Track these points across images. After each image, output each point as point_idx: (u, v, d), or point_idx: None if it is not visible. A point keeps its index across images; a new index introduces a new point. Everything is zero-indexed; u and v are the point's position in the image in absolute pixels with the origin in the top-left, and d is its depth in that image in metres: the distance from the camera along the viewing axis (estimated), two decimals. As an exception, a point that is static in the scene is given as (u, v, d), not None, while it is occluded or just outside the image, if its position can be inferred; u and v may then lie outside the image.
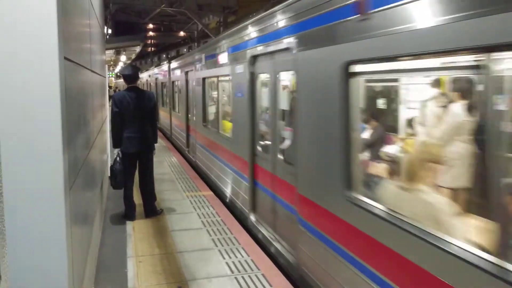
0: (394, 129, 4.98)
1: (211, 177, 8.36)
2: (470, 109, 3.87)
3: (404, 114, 4.95)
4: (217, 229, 5.65)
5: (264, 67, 5.32)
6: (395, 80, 4.56)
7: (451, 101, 4.21)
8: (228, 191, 7.11)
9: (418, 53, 2.55)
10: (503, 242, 2.12)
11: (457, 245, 2.36)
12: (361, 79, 3.35)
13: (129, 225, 5.85)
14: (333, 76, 3.42)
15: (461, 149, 3.84)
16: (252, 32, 5.68)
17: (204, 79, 8.94)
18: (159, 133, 9.49)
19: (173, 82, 14.23)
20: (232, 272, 4.39)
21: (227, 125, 7.60)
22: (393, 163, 3.81)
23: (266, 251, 5.03)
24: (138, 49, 20.57)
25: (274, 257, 4.87)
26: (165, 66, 16.11)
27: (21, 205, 2.04)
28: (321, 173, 3.74)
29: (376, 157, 4.27)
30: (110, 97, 12.47)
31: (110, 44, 14.66)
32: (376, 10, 2.87)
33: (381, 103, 5.05)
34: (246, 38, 5.89)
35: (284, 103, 4.99)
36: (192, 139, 10.68)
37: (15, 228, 2.04)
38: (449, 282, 2.36)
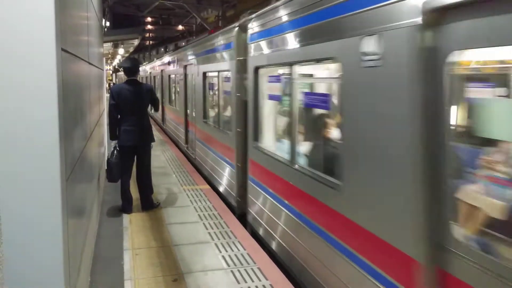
0: None
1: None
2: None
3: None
4: (214, 222, 5.66)
5: None
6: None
7: None
8: None
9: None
10: None
11: None
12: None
13: (126, 218, 5.85)
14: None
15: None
16: None
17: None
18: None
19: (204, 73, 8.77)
20: (228, 265, 4.41)
21: None
22: None
23: None
24: (136, 42, 20.50)
25: None
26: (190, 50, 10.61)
27: (17, 196, 2.05)
28: None
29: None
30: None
31: (108, 37, 14.60)
32: None
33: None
34: None
35: None
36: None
37: (11, 219, 2.05)
38: None
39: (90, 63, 4.64)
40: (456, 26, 2.23)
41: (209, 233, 5.29)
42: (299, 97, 4.38)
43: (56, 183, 2.11)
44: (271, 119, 5.47)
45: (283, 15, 4.49)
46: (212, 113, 8.68)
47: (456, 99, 2.79)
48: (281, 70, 4.94)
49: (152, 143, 6.25)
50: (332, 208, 3.53)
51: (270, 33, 4.90)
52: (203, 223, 5.63)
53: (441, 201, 2.36)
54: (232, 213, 6.13)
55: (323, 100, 4.07)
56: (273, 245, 4.86)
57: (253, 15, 5.56)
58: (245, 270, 4.31)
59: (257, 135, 5.46)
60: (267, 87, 5.34)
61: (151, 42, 41.68)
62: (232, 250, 4.77)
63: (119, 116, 5.91)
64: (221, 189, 7.22)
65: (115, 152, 5.88)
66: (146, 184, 6.23)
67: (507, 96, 3.42)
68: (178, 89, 12.36)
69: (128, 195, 6.09)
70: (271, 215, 4.93)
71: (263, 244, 5.11)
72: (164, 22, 29.00)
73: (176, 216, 5.92)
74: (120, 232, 5.31)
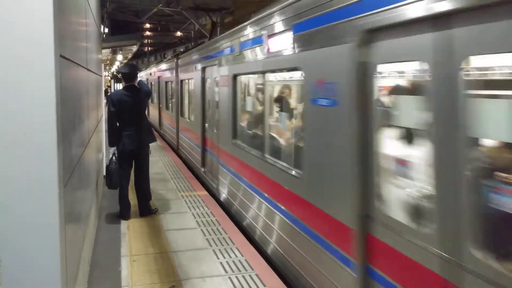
0: None
1: None
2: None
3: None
4: (212, 229, 5.65)
5: None
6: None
7: None
8: None
9: None
10: None
11: None
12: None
13: (124, 224, 5.84)
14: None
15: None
16: None
17: None
18: None
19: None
20: (226, 272, 4.40)
21: None
22: None
23: None
24: (134, 48, 20.53)
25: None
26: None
27: (15, 202, 2.04)
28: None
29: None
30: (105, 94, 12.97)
31: (106, 43, 14.63)
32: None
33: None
34: None
35: None
36: None
37: (8, 224, 2.04)
38: None
39: (88, 70, 4.65)
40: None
41: (207, 239, 5.28)
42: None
43: (54, 189, 2.11)
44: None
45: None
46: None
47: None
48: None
49: (150, 149, 6.26)
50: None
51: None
52: (201, 229, 5.62)
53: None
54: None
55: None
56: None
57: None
58: (243, 276, 4.29)
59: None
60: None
61: (149, 48, 41.79)
62: (230, 257, 4.76)
63: (118, 122, 5.92)
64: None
65: (114, 158, 5.88)
66: (144, 190, 6.22)
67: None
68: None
69: (126, 201, 6.07)
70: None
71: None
72: (162, 28, 29.10)
73: (174, 222, 5.91)
74: (118, 239, 5.29)
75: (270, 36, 4.71)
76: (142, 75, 24.14)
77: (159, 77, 16.96)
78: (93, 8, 5.57)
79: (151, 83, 20.41)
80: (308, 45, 3.77)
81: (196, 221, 5.97)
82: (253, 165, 5.47)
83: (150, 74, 20.69)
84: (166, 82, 14.79)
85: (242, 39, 5.82)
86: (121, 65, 26.18)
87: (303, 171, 3.98)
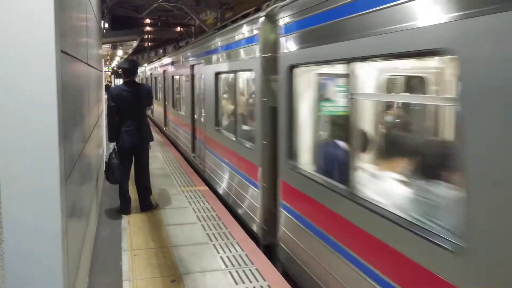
0: None
1: None
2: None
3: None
4: (212, 224, 5.67)
5: None
6: None
7: None
8: None
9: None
10: None
11: None
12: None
13: (124, 219, 5.86)
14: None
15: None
16: None
17: None
18: None
19: None
20: (226, 266, 4.42)
21: None
22: None
23: None
24: (135, 43, 20.53)
25: None
26: None
27: (17, 197, 2.06)
28: None
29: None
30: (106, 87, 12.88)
31: (107, 39, 14.63)
32: None
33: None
34: None
35: None
36: None
37: (11, 220, 2.06)
38: None
39: (89, 65, 4.66)
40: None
41: (207, 234, 5.31)
42: None
43: (55, 185, 2.12)
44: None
45: None
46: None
47: None
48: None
49: (150, 144, 6.27)
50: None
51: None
52: (202, 224, 5.64)
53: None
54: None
55: None
56: None
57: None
58: (243, 271, 4.32)
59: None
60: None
61: (149, 43, 41.67)
62: (231, 251, 4.78)
63: (118, 117, 5.92)
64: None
65: (114, 154, 5.88)
66: (145, 185, 6.24)
67: None
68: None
69: (127, 196, 6.09)
70: None
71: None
72: (162, 23, 28.98)
73: (175, 217, 5.93)
74: (119, 233, 5.32)
75: None
76: (152, 68, 19.48)
77: (192, 67, 9.62)
78: (93, 3, 5.57)
79: (175, 77, 12.57)
80: None
81: (197, 216, 5.99)
82: None
83: (172, 63, 12.97)
84: (217, 74, 7.27)
85: None
86: (122, 60, 26.16)
87: None
